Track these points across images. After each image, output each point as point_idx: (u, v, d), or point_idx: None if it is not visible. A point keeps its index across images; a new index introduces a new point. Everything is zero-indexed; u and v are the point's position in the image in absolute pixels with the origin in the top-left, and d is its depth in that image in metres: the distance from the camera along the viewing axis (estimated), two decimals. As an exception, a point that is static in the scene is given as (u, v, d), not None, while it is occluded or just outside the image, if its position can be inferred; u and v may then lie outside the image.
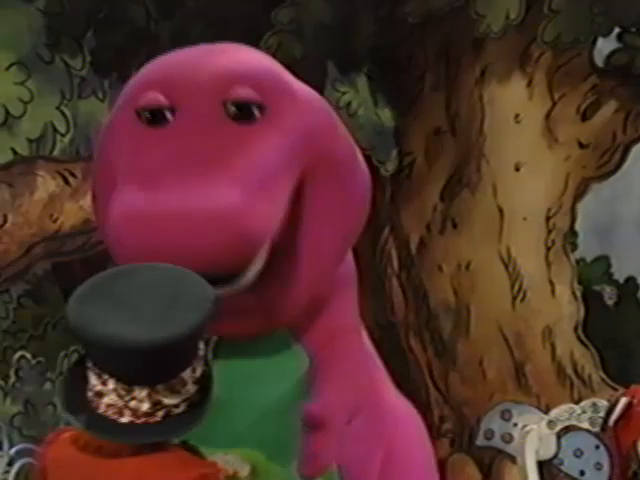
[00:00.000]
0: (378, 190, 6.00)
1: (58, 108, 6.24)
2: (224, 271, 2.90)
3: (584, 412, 4.96)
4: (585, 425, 5.02)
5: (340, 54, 6.49)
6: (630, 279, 6.86)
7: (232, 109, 3.03)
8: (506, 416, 5.54)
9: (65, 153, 6.25)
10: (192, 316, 2.89)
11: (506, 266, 6.14)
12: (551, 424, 5.09)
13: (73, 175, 6.01)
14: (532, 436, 5.05)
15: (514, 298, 6.21)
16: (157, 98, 3.05)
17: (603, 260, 6.90)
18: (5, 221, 5.95)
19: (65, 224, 5.99)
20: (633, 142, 6.28)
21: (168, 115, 3.04)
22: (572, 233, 6.53)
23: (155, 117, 3.05)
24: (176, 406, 2.83)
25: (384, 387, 3.40)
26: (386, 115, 6.68)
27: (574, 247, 6.68)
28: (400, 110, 6.68)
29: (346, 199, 3.11)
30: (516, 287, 6.23)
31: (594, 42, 6.22)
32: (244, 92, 3.09)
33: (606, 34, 6.17)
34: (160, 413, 2.77)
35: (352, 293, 3.35)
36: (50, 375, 6.14)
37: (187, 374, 2.93)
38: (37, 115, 6.20)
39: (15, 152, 6.10)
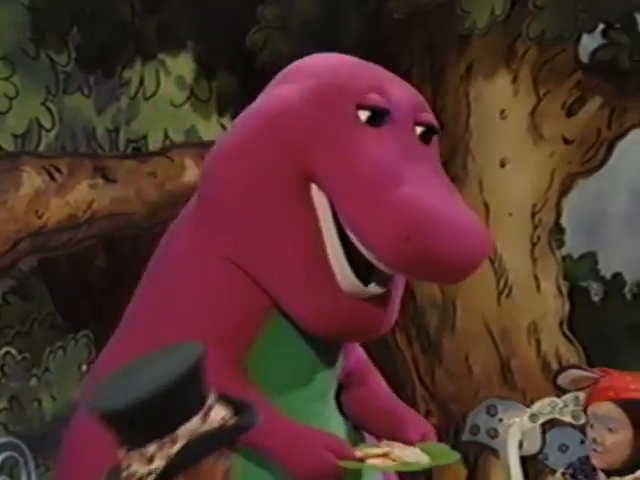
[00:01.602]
0: None
1: (43, 104, 6.25)
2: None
3: (566, 405, 4.89)
4: (567, 418, 4.96)
5: (326, 50, 6.62)
6: (617, 275, 6.86)
7: (419, 129, 3.44)
8: (492, 411, 5.58)
9: (50, 149, 6.26)
10: (151, 386, 2.99)
11: (492, 262, 6.07)
12: (533, 417, 5.02)
13: (59, 171, 5.97)
14: (514, 429, 4.99)
15: (499, 294, 6.19)
16: (382, 101, 3.37)
17: (590, 256, 6.87)
18: (-10, 217, 5.95)
19: (51, 220, 5.93)
20: (618, 138, 6.28)
21: (384, 119, 3.37)
22: (559, 229, 6.52)
23: (373, 118, 3.36)
24: (148, 474, 2.97)
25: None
26: None
27: (561, 244, 6.69)
28: None
29: None
30: (502, 283, 6.21)
31: (579, 38, 6.19)
32: (431, 118, 3.55)
33: (590, 30, 6.14)
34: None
35: None
36: (36, 371, 6.08)
37: (153, 446, 3.05)
38: (22, 111, 6.21)
39: (0, 148, 6.10)
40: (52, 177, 5.90)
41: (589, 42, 6.20)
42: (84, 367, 5.95)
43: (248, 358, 3.51)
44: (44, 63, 6.21)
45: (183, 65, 6.65)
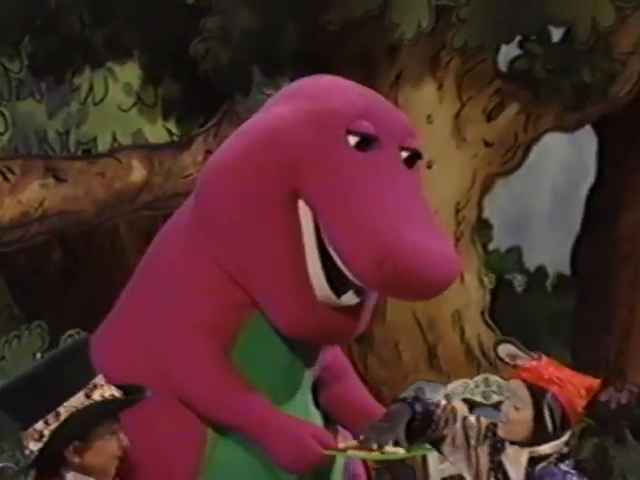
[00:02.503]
0: None
1: None
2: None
3: (477, 386, 4.95)
4: (478, 398, 4.96)
5: (265, 59, 6.67)
6: (540, 268, 7.10)
7: (403, 154, 3.54)
8: (419, 393, 5.73)
9: (4, 151, 6.37)
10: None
11: (419, 256, 6.28)
12: (447, 397, 4.96)
13: (11, 171, 6.10)
14: None
15: None
16: (371, 128, 3.52)
17: (515, 250, 7.08)
18: (-52, 215, 6.01)
19: (4, 217, 6.06)
20: (533, 141, 6.49)
21: (372, 144, 3.51)
22: (486, 226, 6.71)
23: (361, 143, 3.49)
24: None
25: None
26: None
27: (489, 239, 6.88)
28: None
29: None
30: (429, 275, 6.35)
31: (498, 49, 6.37)
32: (418, 144, 3.63)
33: (509, 41, 6.34)
34: None
35: None
36: (-9, 359, 6.05)
37: (40, 424, 3.37)
38: None
39: None
40: (5, 177, 6.04)
41: (507, 52, 6.36)
42: (38, 355, 5.88)
43: (234, 351, 3.67)
44: None
45: (130, 72, 6.77)
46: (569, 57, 6.41)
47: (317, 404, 4.00)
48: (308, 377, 3.82)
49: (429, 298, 3.79)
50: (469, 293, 6.52)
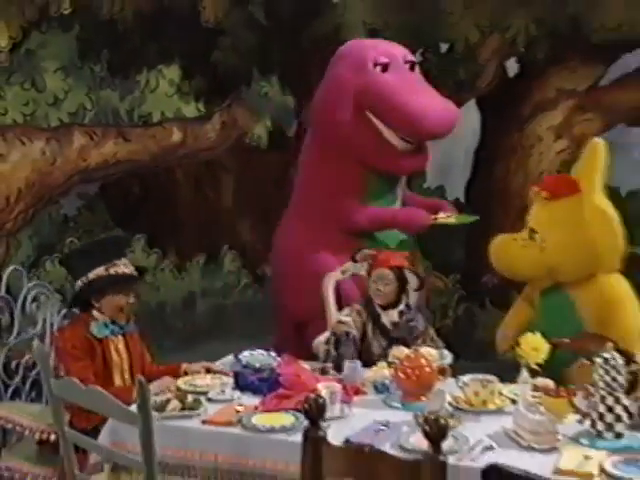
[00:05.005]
0: (287, 145, 7.28)
1: (87, 95, 6.96)
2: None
3: (363, 266, 4.93)
4: (362, 272, 4.94)
5: (260, 63, 7.43)
6: (455, 199, 6.93)
7: (407, 65, 5.17)
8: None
9: (91, 121, 6.99)
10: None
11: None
12: (342, 273, 5.25)
13: (96, 134, 6.86)
14: (329, 279, 5.22)
15: None
16: (385, 59, 5.08)
17: (440, 188, 7.35)
18: None
19: (91, 163, 6.84)
20: None
21: (389, 66, 5.02)
22: (421, 173, 6.92)
23: (384, 68, 5.04)
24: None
25: None
26: (289, 100, 7.57)
27: (424, 180, 7.25)
28: (298, 97, 7.45)
29: None
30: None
31: None
32: (412, 57, 5.17)
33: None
34: None
35: None
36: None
37: (80, 282, 4.18)
38: (74, 99, 6.87)
39: (61, 121, 6.83)
40: (92, 138, 6.81)
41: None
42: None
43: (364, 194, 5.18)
44: (86, 71, 6.99)
45: (173, 72, 7.34)
46: (451, 62, 6.91)
47: None
48: (398, 193, 5.40)
49: (447, 134, 5.09)
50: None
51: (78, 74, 6.88)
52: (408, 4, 6.51)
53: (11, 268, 5.18)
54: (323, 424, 3.19)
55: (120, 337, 4.26)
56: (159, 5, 6.61)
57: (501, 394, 4.00)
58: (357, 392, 4.12)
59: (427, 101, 5.01)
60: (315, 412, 3.13)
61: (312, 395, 3.23)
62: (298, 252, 5.16)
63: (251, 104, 7.39)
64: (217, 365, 4.41)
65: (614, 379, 3.51)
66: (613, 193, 4.77)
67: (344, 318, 4.47)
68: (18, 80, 6.58)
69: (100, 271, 4.10)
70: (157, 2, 6.62)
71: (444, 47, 6.95)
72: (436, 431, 2.88)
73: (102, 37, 6.85)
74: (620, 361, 3.52)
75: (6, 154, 6.34)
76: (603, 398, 3.55)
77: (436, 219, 5.18)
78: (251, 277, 7.74)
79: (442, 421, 2.89)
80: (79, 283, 4.15)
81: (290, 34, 6.96)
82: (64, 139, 6.68)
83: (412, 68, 5.19)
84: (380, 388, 4.13)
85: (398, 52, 5.19)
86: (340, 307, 4.83)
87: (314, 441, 3.12)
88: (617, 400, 3.54)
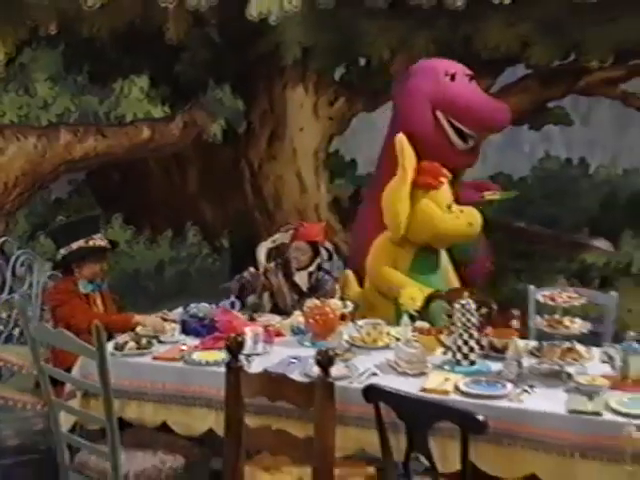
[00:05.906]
0: (238, 141, 7.42)
1: (71, 100, 7.01)
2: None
3: (274, 240, 5.04)
4: (287, 240, 5.02)
5: (215, 74, 7.40)
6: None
7: (467, 77, 5.06)
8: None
9: (75, 120, 7.06)
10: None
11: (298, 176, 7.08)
12: (272, 241, 5.20)
13: (79, 131, 6.86)
14: (261, 248, 5.14)
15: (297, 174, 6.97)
16: (452, 70, 5.05)
17: (354, 162, 7.38)
18: None
19: (75, 156, 6.86)
20: (352, 116, 6.98)
21: (455, 77, 4.99)
22: (330, 156, 7.12)
23: (452, 77, 5.03)
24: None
25: None
26: (239, 104, 7.51)
27: (337, 159, 7.30)
28: (247, 101, 7.50)
29: None
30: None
31: (334, 69, 6.91)
32: (469, 72, 5.14)
33: (339, 65, 6.92)
34: None
35: None
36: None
37: (63, 250, 3.96)
38: (59, 103, 6.97)
39: (49, 121, 6.92)
40: (75, 135, 6.87)
41: (339, 71, 7.24)
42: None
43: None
44: (70, 80, 7.11)
45: (143, 81, 7.39)
46: (369, 74, 6.99)
47: None
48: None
49: (504, 127, 5.12)
50: (322, 195, 7.21)
51: (64, 83, 7.04)
52: (334, 26, 6.49)
53: (3, 239, 5.31)
54: (242, 357, 3.39)
55: (98, 293, 4.44)
56: (131, 26, 6.56)
57: (388, 334, 4.20)
58: (278, 334, 4.28)
59: (492, 101, 5.19)
60: (235, 348, 3.33)
61: (233, 335, 3.43)
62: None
63: (208, 107, 7.35)
64: (170, 314, 4.55)
65: (469, 320, 3.77)
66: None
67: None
68: (14, 88, 6.78)
69: (81, 243, 4.22)
70: (129, 23, 6.56)
71: (363, 61, 7.06)
72: (325, 359, 3.11)
73: (83, 52, 6.95)
74: (473, 306, 3.75)
75: (4, 148, 6.47)
76: (461, 335, 3.80)
77: (483, 197, 5.21)
78: (210, 248, 7.74)
79: (330, 352, 3.11)
80: (62, 251, 4.25)
81: (239, 50, 7.03)
82: (52, 136, 6.78)
83: (470, 80, 5.24)
84: (296, 331, 4.33)
85: (459, 67, 5.27)
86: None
87: (234, 370, 3.36)
88: (471, 336, 3.78)
